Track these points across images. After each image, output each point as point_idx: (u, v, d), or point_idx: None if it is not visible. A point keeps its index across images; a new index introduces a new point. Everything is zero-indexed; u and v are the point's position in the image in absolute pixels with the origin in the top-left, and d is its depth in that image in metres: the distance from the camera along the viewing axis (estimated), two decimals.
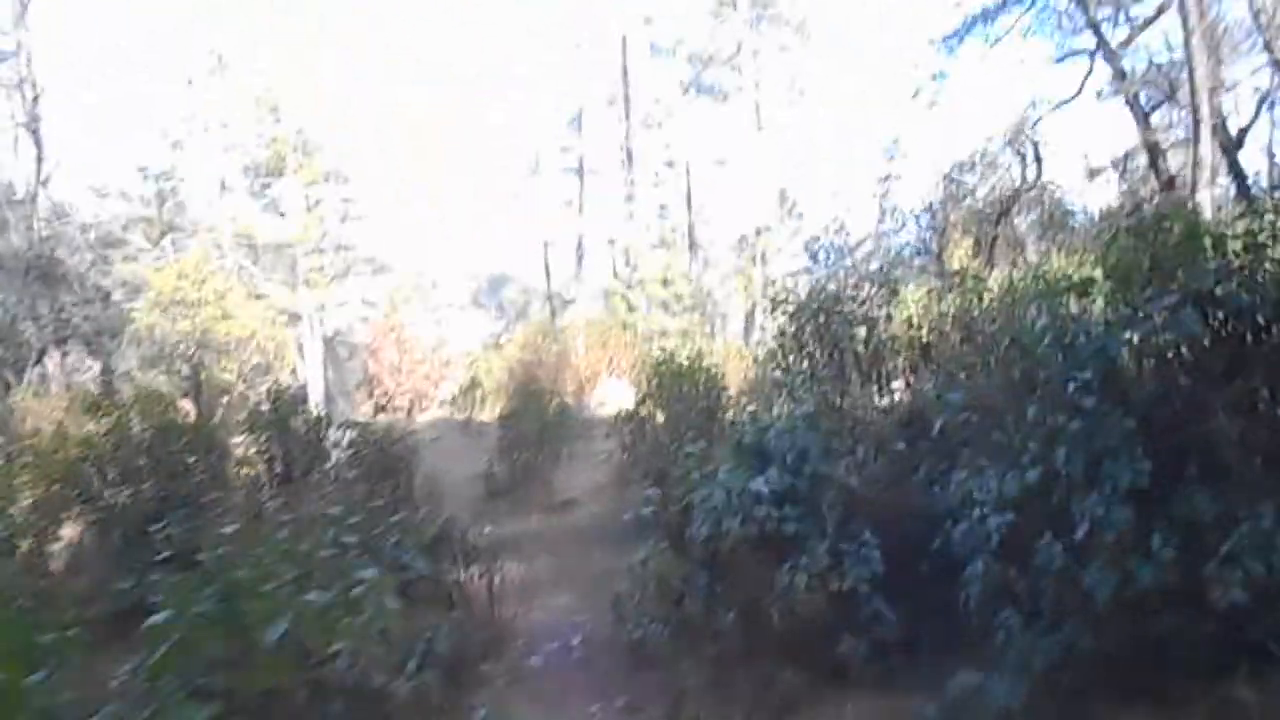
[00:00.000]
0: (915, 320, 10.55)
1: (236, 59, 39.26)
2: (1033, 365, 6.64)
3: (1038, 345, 6.49)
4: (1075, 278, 7.19)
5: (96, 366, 33.17)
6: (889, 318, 10.71)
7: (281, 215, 40.59)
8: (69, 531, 13.10)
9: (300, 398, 43.98)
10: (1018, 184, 25.42)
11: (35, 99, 29.81)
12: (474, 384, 21.57)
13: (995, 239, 24.48)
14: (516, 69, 44.77)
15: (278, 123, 39.32)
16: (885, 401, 10.38)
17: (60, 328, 27.95)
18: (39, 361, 29.05)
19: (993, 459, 6.66)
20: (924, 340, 10.40)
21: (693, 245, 39.07)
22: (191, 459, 13.62)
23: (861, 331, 10.30)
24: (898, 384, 10.63)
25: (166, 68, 39.61)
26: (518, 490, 11.69)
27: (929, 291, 11.35)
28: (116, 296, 33.04)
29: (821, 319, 10.49)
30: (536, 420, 12.64)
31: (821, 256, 27.83)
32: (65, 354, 28.76)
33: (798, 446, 7.73)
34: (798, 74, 38.64)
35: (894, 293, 11.01)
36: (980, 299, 9.98)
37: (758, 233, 31.53)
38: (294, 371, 43.85)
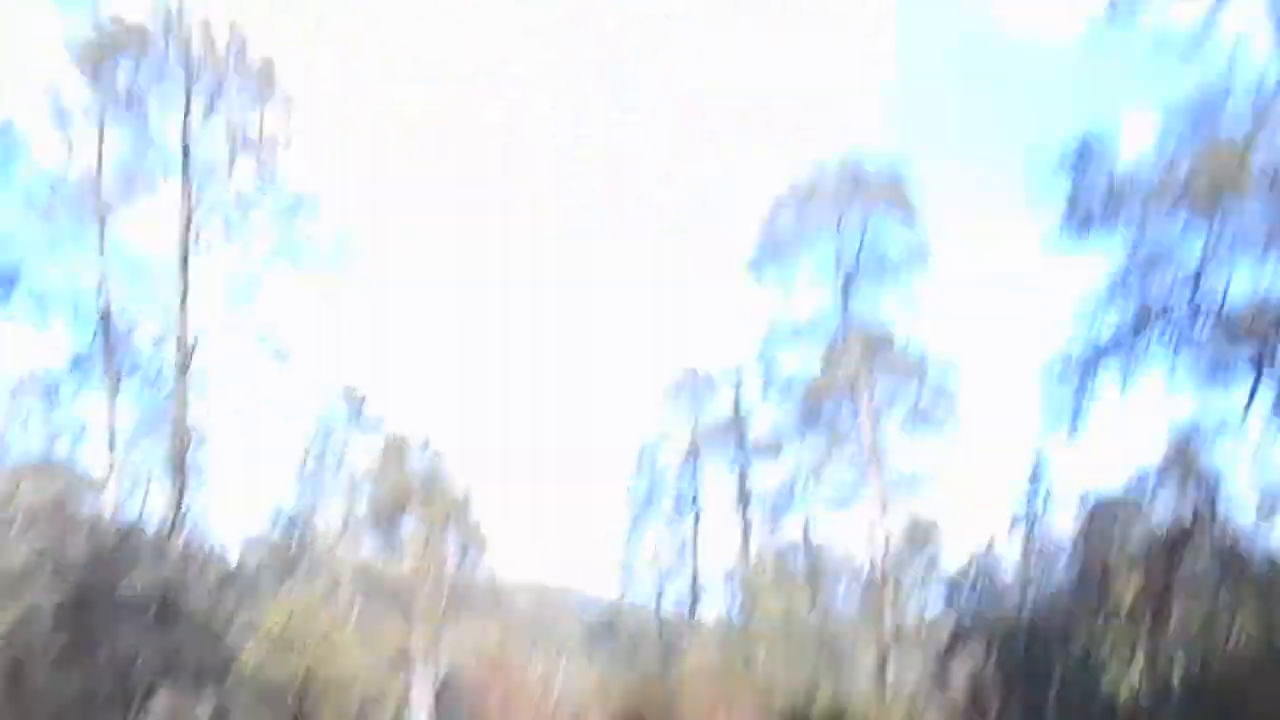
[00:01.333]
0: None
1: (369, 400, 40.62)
2: None
3: None
4: None
5: (205, 707, 31.61)
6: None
7: (398, 554, 40.07)
8: None
9: None
10: (1186, 519, 22.67)
11: (185, 442, 30.39)
12: None
13: (1170, 584, 21.62)
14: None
15: (401, 470, 39.75)
16: None
17: (171, 664, 26.64)
18: (146, 698, 27.60)
19: None
20: None
21: (814, 590, 36.46)
22: None
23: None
24: None
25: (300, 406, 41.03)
26: None
27: None
28: (233, 638, 32.01)
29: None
30: None
31: (964, 600, 25.43)
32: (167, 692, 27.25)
33: None
34: (917, 406, 37.42)
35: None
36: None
37: (883, 577, 29.04)
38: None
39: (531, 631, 38.29)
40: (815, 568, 39.57)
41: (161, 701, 28.01)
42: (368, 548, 40.94)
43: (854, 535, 41.10)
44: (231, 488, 40.06)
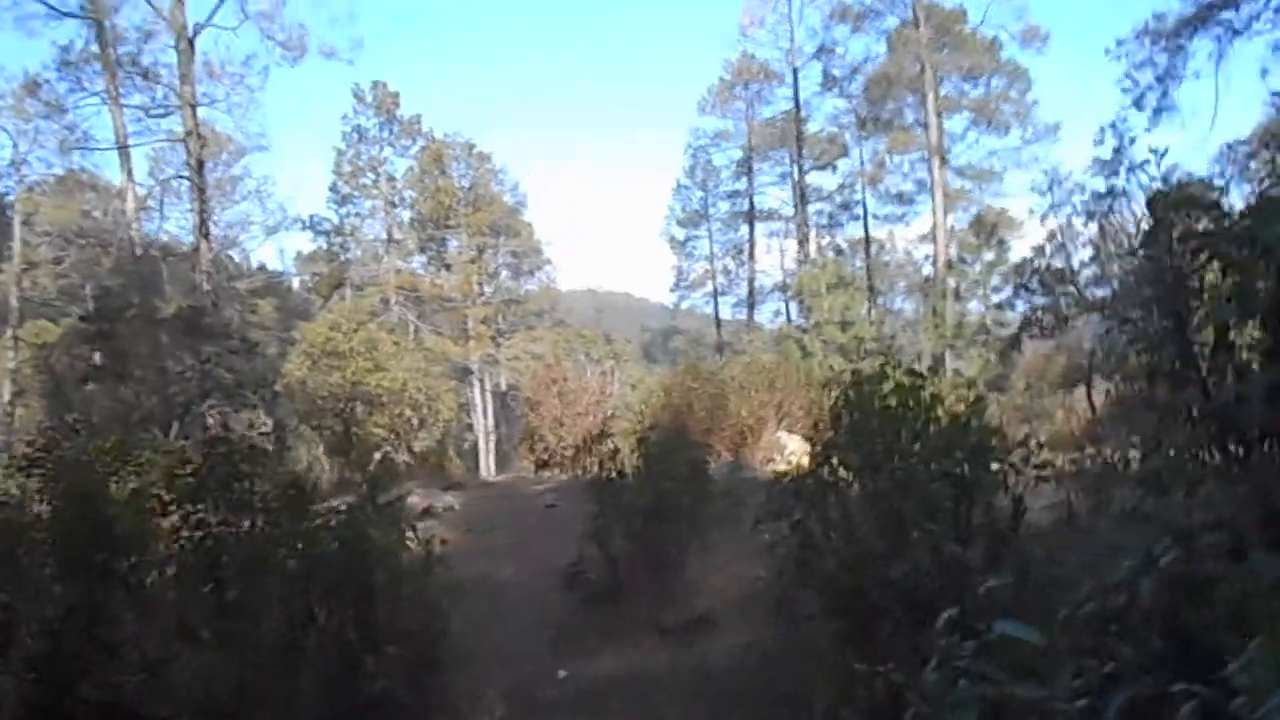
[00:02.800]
0: None
1: (404, 110, 37.08)
2: None
3: None
4: None
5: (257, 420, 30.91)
6: None
7: (447, 268, 37.90)
8: None
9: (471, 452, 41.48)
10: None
11: (200, 150, 27.39)
12: (604, 434, 17.12)
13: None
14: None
15: (443, 174, 36.74)
16: None
17: (204, 380, 25.13)
18: (184, 415, 26.22)
19: None
20: None
21: (871, 289, 33.71)
22: None
23: None
24: None
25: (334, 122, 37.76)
26: (626, 596, 6.99)
27: None
28: (272, 350, 30.58)
29: None
30: (663, 483, 7.79)
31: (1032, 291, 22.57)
32: (212, 408, 25.96)
33: None
34: (989, 96, 32.90)
35: None
36: None
37: (949, 266, 26.04)
38: (469, 427, 41.03)
39: (588, 339, 36.40)
40: (874, 268, 36.69)
41: (204, 416, 26.96)
42: (416, 262, 38.83)
43: (916, 236, 38.15)
44: (266, 201, 37.93)
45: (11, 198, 35.95)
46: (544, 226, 42.24)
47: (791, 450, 14.49)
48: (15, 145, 31.20)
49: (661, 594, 6.89)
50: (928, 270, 36.97)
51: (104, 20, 25.33)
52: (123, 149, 27.60)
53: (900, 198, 37.09)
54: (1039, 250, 19.17)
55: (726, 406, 14.98)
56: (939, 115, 31.25)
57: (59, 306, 34.00)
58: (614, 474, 7.32)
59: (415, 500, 12.80)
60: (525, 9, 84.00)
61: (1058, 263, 19.18)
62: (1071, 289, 18.45)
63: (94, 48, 25.90)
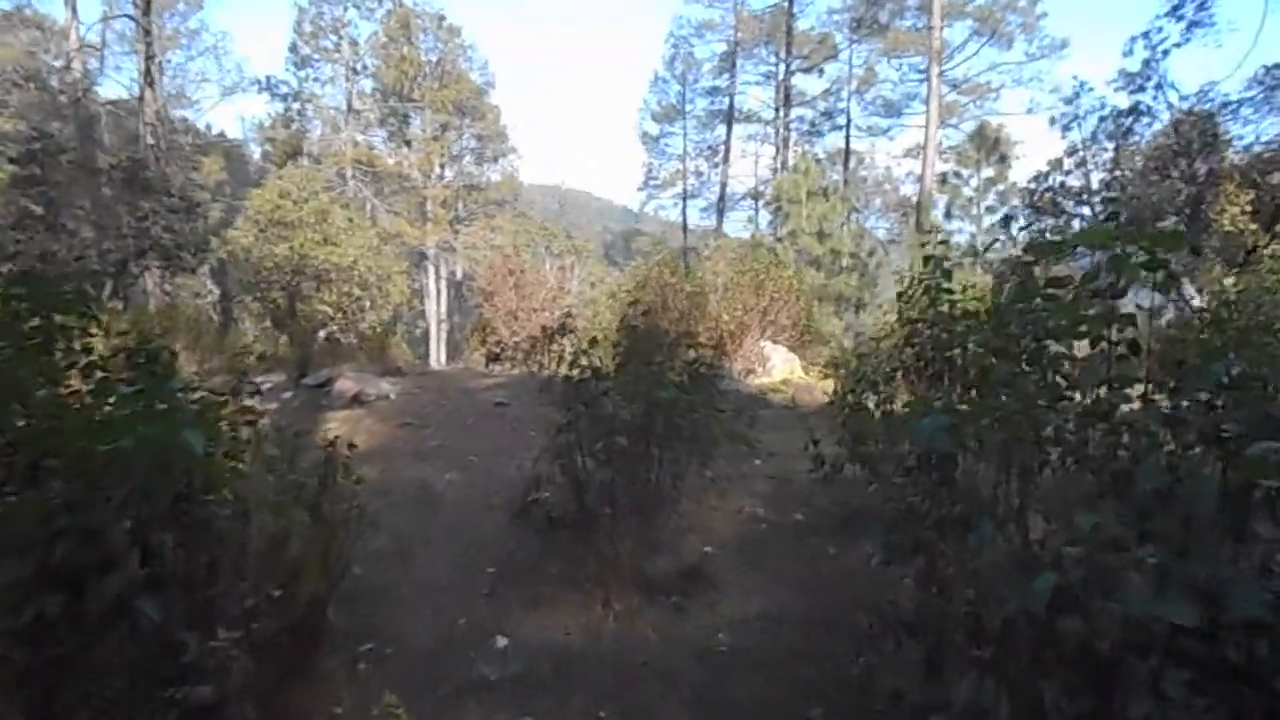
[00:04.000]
0: None
1: None
2: None
3: None
4: None
5: (203, 288, 28.61)
6: None
7: (408, 144, 35.02)
8: None
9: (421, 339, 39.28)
10: None
11: (149, 25, 24.19)
12: (563, 329, 15.26)
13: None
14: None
15: (410, 43, 33.57)
16: None
17: (140, 238, 22.58)
18: (119, 275, 23.72)
19: None
20: None
21: (848, 204, 31.65)
22: None
23: None
24: None
25: None
26: (597, 532, 4.98)
27: None
28: (218, 215, 27.95)
29: None
30: (644, 386, 5.65)
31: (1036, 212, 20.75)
32: (147, 268, 23.48)
33: None
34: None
35: None
36: None
37: (942, 180, 24.02)
38: (422, 314, 38.72)
39: (549, 232, 34.06)
40: (851, 182, 34.57)
41: (141, 277, 24.51)
42: (377, 136, 35.82)
43: (901, 150, 36.07)
44: (223, 58, 34.69)
45: None
46: (511, 113, 39.23)
47: (774, 363, 12.67)
48: None
49: (646, 534, 4.96)
50: (909, 189, 35.04)
51: None
52: None
53: (888, 107, 34.86)
54: (1056, 164, 17.21)
55: (705, 308, 13.00)
56: (943, 17, 28.78)
57: (3, 151, 31.04)
58: (588, 372, 5.28)
59: (346, 385, 10.75)
60: None
61: (1074, 181, 17.37)
62: (1086, 210, 16.74)
63: None
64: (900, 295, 6.63)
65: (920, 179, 29.45)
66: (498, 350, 24.17)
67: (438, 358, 34.61)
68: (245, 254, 24.93)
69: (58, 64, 27.81)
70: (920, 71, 32.31)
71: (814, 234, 25.27)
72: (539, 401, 10.59)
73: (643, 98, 39.12)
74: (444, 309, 37.69)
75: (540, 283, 26.36)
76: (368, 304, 27.39)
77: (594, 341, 6.01)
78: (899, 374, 5.77)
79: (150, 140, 25.63)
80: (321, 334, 24.27)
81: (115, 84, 30.48)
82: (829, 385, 11.62)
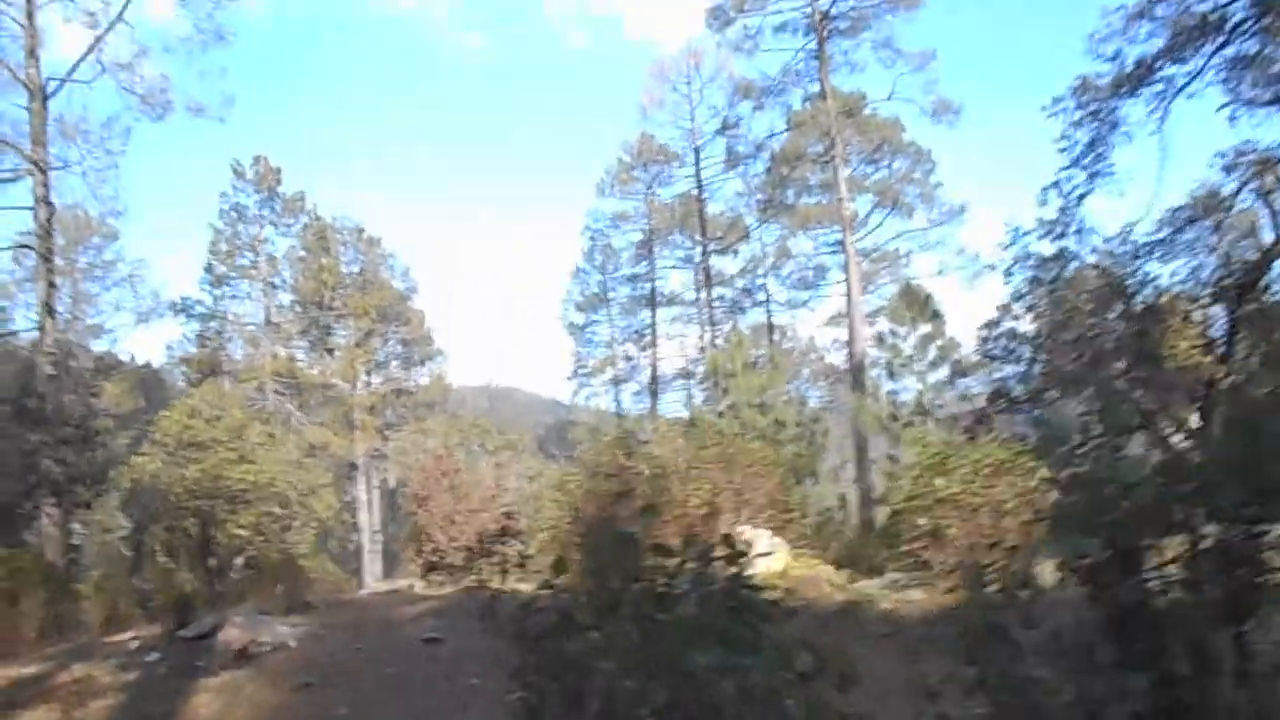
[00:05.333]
0: None
1: (286, 187, 32.69)
2: None
3: None
4: None
5: (113, 523, 25.51)
6: None
7: (329, 353, 33.12)
8: None
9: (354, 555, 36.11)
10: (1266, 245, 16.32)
11: (49, 219, 22.35)
12: (505, 531, 13.10)
13: (1236, 323, 15.50)
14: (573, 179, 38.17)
15: (327, 254, 32.29)
16: None
17: (27, 473, 20.07)
18: (7, 515, 21.11)
19: None
20: None
21: (784, 373, 30.47)
22: None
23: None
24: None
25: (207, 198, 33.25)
26: None
27: None
28: (124, 443, 25.36)
29: None
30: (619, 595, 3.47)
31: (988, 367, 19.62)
32: (37, 507, 20.85)
33: None
34: (894, 173, 30.67)
35: None
36: None
37: (880, 340, 22.88)
38: (355, 528, 35.72)
39: (482, 429, 31.99)
40: (784, 354, 33.57)
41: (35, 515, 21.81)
42: (297, 348, 33.86)
43: (823, 320, 35.54)
44: (139, 286, 32.97)
45: None
46: (435, 316, 37.99)
47: (758, 549, 10.57)
48: None
49: None
50: (835, 357, 34.16)
51: None
52: None
53: (804, 282, 34.44)
54: (1004, 310, 16.07)
55: (668, 491, 10.95)
56: (849, 190, 28.66)
57: None
58: (560, 607, 3.14)
59: (232, 635, 8.27)
60: (415, 89, 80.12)
61: (1025, 327, 16.34)
62: (1045, 356, 15.57)
63: None
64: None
65: (850, 344, 28.52)
66: (435, 559, 21.39)
67: (374, 573, 31.65)
68: (152, 480, 22.27)
69: None
70: (833, 244, 32.07)
71: (755, 406, 23.73)
72: (480, 630, 8.25)
73: (565, 289, 38.18)
74: (377, 520, 34.88)
75: (477, 482, 23.80)
76: (291, 523, 24.66)
77: (558, 565, 3.77)
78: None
79: (49, 370, 23.25)
80: (239, 560, 21.44)
81: (21, 315, 28.20)
82: (830, 572, 9.57)
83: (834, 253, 32.21)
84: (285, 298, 33.22)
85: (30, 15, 19.71)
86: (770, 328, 35.31)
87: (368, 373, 33.87)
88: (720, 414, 24.51)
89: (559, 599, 3.36)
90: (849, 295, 28.27)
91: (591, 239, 36.95)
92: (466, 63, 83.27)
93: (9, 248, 24.04)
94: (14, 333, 25.77)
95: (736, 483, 10.98)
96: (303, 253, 32.92)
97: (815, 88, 29.38)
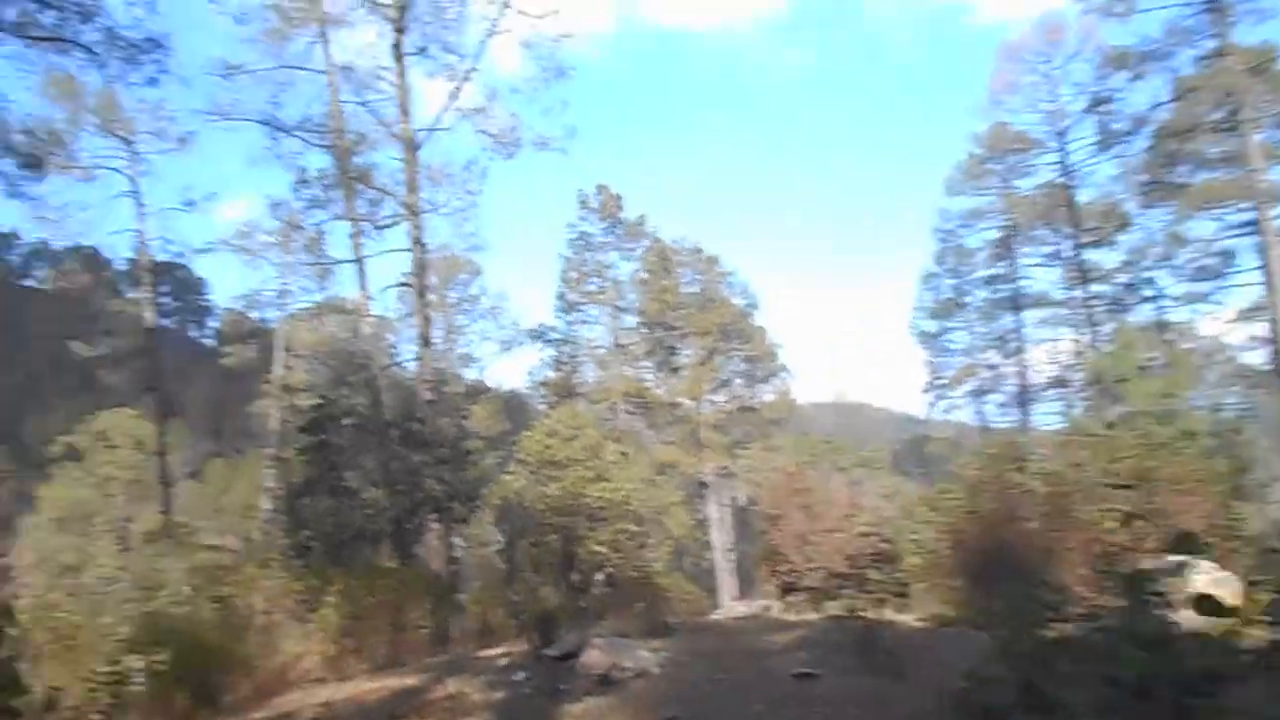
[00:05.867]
0: None
1: (628, 213, 33.92)
2: None
3: None
4: None
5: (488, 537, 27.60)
6: None
7: (675, 372, 33.65)
8: None
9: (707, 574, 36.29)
10: None
11: (423, 256, 24.63)
12: (875, 555, 11.76)
13: None
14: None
15: (669, 275, 32.91)
16: None
17: (414, 491, 21.79)
18: (396, 531, 22.95)
19: None
20: None
21: (1193, 377, 26.25)
22: None
23: None
24: None
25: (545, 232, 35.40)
26: None
27: None
28: (490, 463, 27.22)
29: None
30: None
31: None
32: (420, 524, 22.51)
33: None
34: None
35: None
36: None
37: None
38: (707, 545, 35.98)
39: (834, 447, 30.81)
40: (1184, 355, 28.98)
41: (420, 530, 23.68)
42: (644, 368, 34.84)
43: (1233, 314, 30.23)
44: (500, 317, 35.78)
45: (275, 325, 35.97)
46: (778, 332, 37.46)
47: (1198, 585, 8.46)
48: (280, 276, 31.28)
49: None
50: (1252, 357, 29.03)
51: (347, 148, 23.64)
52: (356, 262, 25.63)
53: (1204, 271, 29.47)
54: None
55: (1072, 515, 9.10)
56: (1263, 159, 24.06)
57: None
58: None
59: (594, 657, 7.82)
60: (739, 106, 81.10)
61: None
62: None
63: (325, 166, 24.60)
64: None
65: (1273, 341, 23.87)
66: (791, 580, 20.46)
67: (728, 591, 31.48)
68: (518, 497, 23.65)
69: (350, 337, 29.16)
70: (1243, 225, 27.09)
71: (1155, 415, 20.31)
72: (858, 666, 7.15)
73: (915, 295, 35.81)
74: (730, 538, 34.81)
75: (830, 500, 22.50)
76: (646, 540, 25.15)
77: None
78: None
79: (428, 396, 25.47)
80: (599, 576, 22.05)
81: (405, 348, 31.60)
82: None
83: (1245, 235, 27.25)
84: (631, 320, 34.41)
85: (401, 75, 21.81)
86: (1163, 326, 30.69)
87: (713, 391, 34.02)
88: (1110, 425, 21.37)
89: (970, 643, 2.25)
90: (1269, 283, 23.69)
91: (942, 240, 34.42)
92: (787, 78, 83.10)
93: (393, 286, 26.85)
94: (400, 363, 28.68)
95: (1158, 502, 8.86)
96: (645, 275, 33.86)
97: (1211, 45, 25.14)
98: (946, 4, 73.25)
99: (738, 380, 35.86)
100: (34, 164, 16.43)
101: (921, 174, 75.87)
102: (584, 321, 34.27)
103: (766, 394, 36.30)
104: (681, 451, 32.19)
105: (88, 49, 15.71)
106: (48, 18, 15.28)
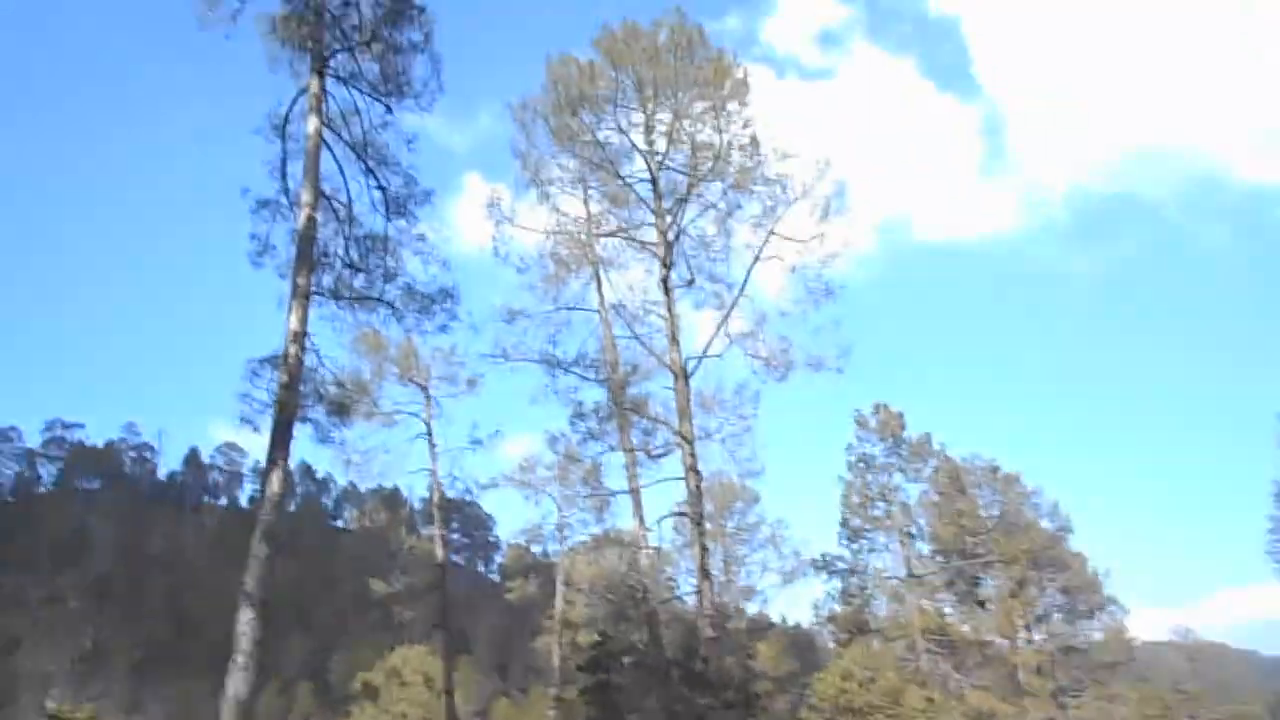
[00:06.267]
0: None
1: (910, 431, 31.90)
2: None
3: None
4: None
5: None
6: None
7: (980, 605, 29.99)
8: None
9: None
10: None
11: (698, 485, 24.08)
12: None
13: None
14: None
15: (963, 495, 30.16)
16: None
17: None
18: None
19: None
20: None
21: None
22: None
23: None
24: None
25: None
26: None
27: None
28: (780, 707, 24.99)
29: None
30: None
31: None
32: None
33: None
34: None
35: None
36: None
37: None
38: None
39: (1193, 697, 25.69)
40: None
41: None
42: (944, 600, 31.46)
43: None
44: (781, 546, 34.16)
45: (556, 559, 36.54)
46: (1100, 558, 32.97)
47: None
48: (559, 509, 31.99)
49: None
50: None
51: (621, 381, 24.33)
52: (632, 493, 25.53)
53: None
54: None
55: None
56: None
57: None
58: None
59: None
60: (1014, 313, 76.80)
61: None
62: None
63: (600, 399, 25.16)
64: None
65: None
66: None
67: None
68: None
69: (628, 570, 28.67)
70: None
71: None
72: None
73: (1272, 512, 30.32)
74: None
75: None
76: None
77: None
78: None
79: (710, 633, 23.93)
80: None
81: (684, 580, 30.63)
82: None
83: None
84: (924, 547, 31.57)
85: (669, 307, 22.20)
86: None
87: (1027, 627, 29.97)
88: None
89: None
90: None
91: None
92: (1075, 284, 78.92)
93: (669, 515, 26.27)
94: (679, 596, 27.58)
95: None
96: (936, 497, 31.31)
97: None
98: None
99: (1056, 615, 31.61)
100: (341, 412, 17.69)
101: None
102: (872, 549, 31.82)
103: (1094, 631, 31.64)
104: (998, 698, 28.06)
105: (390, 305, 17.14)
106: (358, 280, 16.92)
